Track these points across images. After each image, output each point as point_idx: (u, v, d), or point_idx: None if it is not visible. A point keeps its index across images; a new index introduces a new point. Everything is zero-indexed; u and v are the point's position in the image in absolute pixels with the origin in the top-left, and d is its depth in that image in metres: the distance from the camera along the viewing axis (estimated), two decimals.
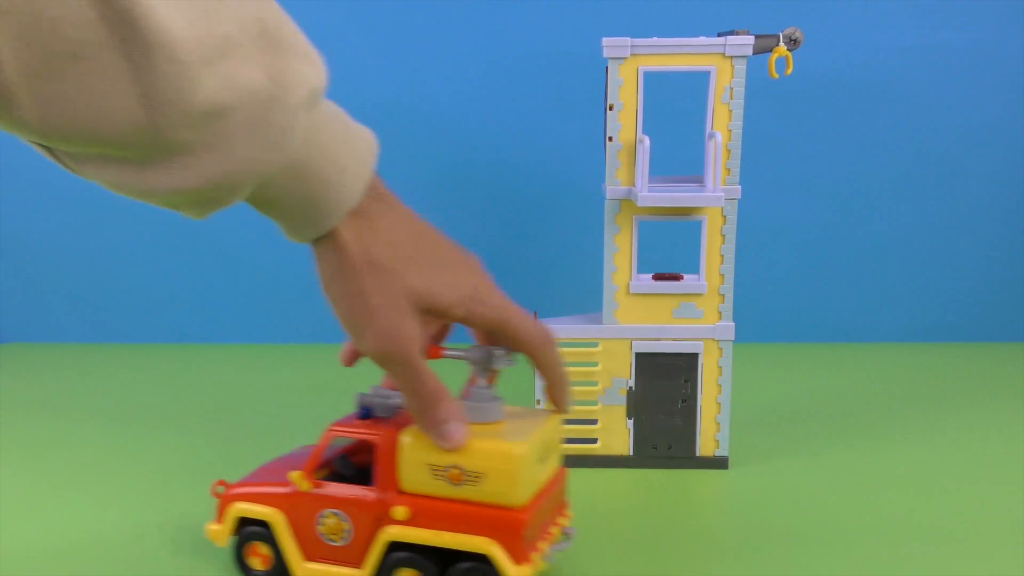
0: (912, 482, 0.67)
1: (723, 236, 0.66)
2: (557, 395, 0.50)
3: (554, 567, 0.53)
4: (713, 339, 0.68)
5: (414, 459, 0.47)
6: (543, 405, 0.69)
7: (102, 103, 0.33)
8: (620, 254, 0.67)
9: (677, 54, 0.64)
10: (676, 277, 0.68)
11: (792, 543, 0.56)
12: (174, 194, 0.37)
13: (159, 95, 0.33)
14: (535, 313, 0.71)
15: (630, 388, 0.69)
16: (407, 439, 0.47)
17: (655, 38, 0.63)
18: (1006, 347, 1.08)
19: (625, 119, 0.65)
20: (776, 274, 1.10)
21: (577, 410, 0.69)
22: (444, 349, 0.50)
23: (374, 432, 0.48)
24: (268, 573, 0.51)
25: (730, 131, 0.65)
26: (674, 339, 0.68)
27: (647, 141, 0.64)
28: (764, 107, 1.03)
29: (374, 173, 0.45)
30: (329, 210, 0.42)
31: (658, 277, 0.68)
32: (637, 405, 0.69)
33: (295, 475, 0.49)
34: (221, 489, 0.53)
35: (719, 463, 0.69)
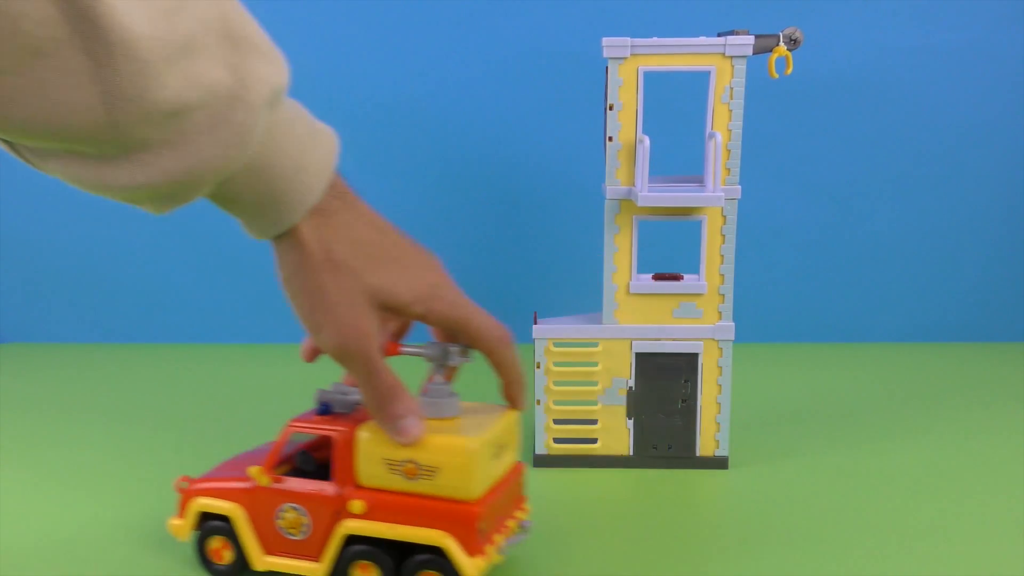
0: (912, 482, 0.67)
1: (723, 236, 0.66)
2: (513, 393, 0.51)
3: (554, 568, 0.53)
4: (713, 339, 0.68)
5: (371, 454, 0.48)
6: (542, 404, 0.69)
7: (63, 100, 0.33)
8: (620, 254, 0.67)
9: (677, 54, 0.64)
10: (676, 277, 0.68)
11: (792, 543, 0.56)
12: (135, 190, 0.37)
13: (120, 93, 0.34)
14: (535, 313, 0.71)
15: (630, 388, 0.69)
16: (364, 434, 0.48)
17: (655, 38, 0.63)
18: (1006, 347, 1.08)
19: (625, 119, 0.65)
20: (776, 274, 1.10)
21: (577, 410, 0.69)
22: (402, 346, 0.51)
23: (332, 428, 0.49)
24: (229, 567, 0.52)
25: (730, 131, 0.65)
26: (674, 339, 0.68)
27: (647, 141, 0.64)
28: (764, 107, 1.03)
29: (336, 172, 0.45)
30: (290, 208, 0.43)
31: (658, 277, 0.68)
32: (637, 405, 0.69)
33: (254, 470, 0.50)
34: (185, 484, 0.54)
35: (719, 463, 0.69)
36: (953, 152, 1.07)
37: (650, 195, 0.63)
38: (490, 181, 1.09)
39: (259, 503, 0.51)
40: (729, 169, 0.65)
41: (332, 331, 0.44)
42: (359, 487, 0.49)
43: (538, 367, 0.69)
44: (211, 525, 0.52)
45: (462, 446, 0.46)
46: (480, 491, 0.47)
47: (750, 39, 0.63)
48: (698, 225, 0.67)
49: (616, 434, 0.70)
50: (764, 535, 0.58)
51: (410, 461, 0.47)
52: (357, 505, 0.48)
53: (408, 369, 0.50)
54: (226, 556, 0.52)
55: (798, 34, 0.64)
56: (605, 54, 0.64)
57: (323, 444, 0.53)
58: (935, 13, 1.03)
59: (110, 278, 1.14)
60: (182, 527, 0.53)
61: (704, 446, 0.69)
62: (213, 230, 1.10)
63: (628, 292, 0.68)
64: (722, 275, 0.67)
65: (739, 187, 0.65)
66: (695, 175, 0.69)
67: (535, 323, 0.69)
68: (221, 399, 0.90)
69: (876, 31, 1.03)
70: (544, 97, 1.06)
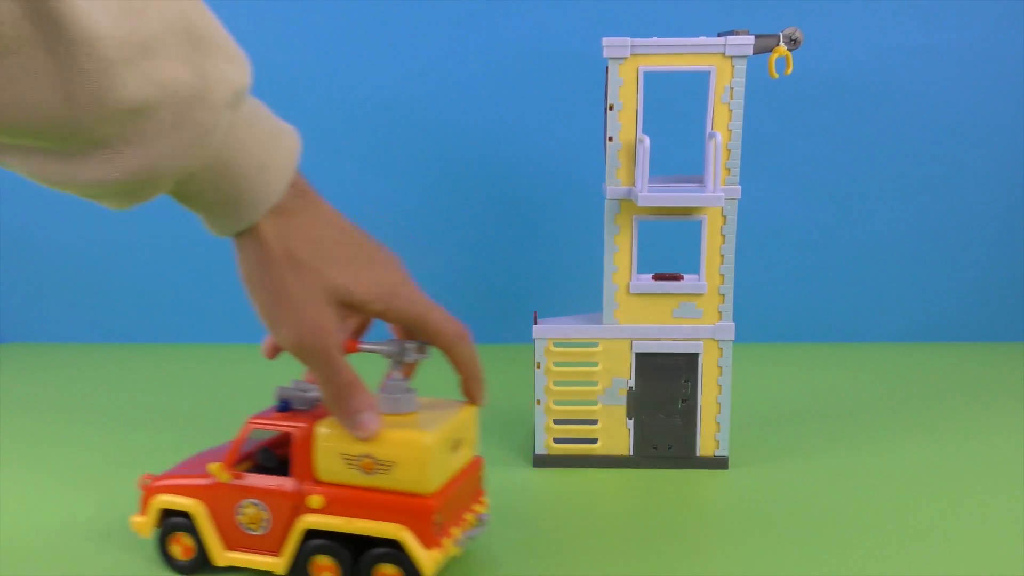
0: (912, 482, 0.67)
1: (723, 236, 0.66)
2: (472, 388, 0.52)
3: (554, 568, 0.53)
4: (713, 339, 0.68)
5: (329, 449, 0.48)
6: (542, 405, 0.69)
7: (26, 96, 0.34)
8: (620, 254, 0.67)
9: (677, 54, 0.64)
10: (676, 277, 0.68)
11: (792, 543, 0.56)
12: (95, 186, 0.38)
13: (82, 92, 0.34)
14: (535, 313, 0.71)
15: (630, 388, 0.69)
16: (323, 430, 0.49)
17: (655, 38, 0.63)
18: (1006, 347, 1.08)
19: (625, 119, 0.65)
20: (776, 274, 1.10)
21: (577, 410, 0.69)
22: (361, 343, 0.51)
23: (291, 424, 0.50)
24: (190, 563, 0.53)
25: (730, 131, 0.65)
26: (674, 339, 0.68)
27: (647, 141, 0.64)
28: (764, 107, 1.03)
29: (297, 171, 0.46)
30: (251, 206, 0.43)
31: (658, 277, 0.68)
32: (637, 405, 0.69)
33: (214, 467, 0.51)
34: (148, 482, 0.54)
35: (719, 463, 0.69)
36: (953, 152, 1.07)
37: (650, 195, 0.63)
38: (490, 181, 1.09)
39: (219, 499, 0.51)
40: (729, 169, 0.65)
41: (292, 328, 0.45)
42: (318, 482, 0.49)
43: (538, 367, 0.69)
44: (173, 522, 0.53)
45: (418, 441, 0.47)
46: (436, 485, 0.48)
47: (750, 39, 0.63)
48: (698, 225, 0.67)
49: (616, 434, 0.70)
50: (764, 535, 0.58)
51: (367, 456, 0.48)
52: (316, 500, 0.49)
53: (367, 366, 0.50)
54: (188, 552, 0.53)
55: (798, 34, 0.64)
56: (605, 54, 0.64)
57: (285, 441, 0.54)
58: (935, 13, 1.03)
59: (110, 278, 1.14)
60: (144, 524, 0.54)
61: (704, 446, 0.69)
62: None
63: (628, 292, 0.68)
64: (722, 275, 0.67)
65: (739, 187, 0.65)
66: (695, 175, 0.69)
67: (535, 323, 0.69)
68: (221, 399, 0.90)
69: (876, 31, 1.03)
70: (544, 97, 1.06)
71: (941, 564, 0.53)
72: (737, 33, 0.63)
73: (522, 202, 1.09)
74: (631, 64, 0.64)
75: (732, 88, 0.64)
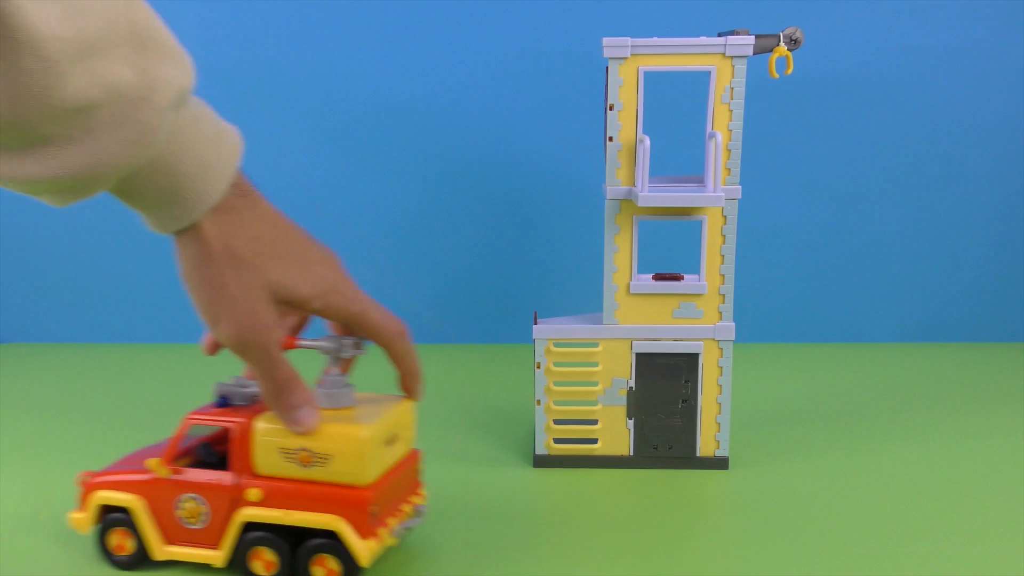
0: (912, 482, 0.67)
1: (723, 236, 0.66)
2: (409, 384, 0.53)
3: (554, 568, 0.53)
4: (713, 339, 0.68)
5: (267, 443, 0.49)
6: (543, 405, 0.69)
7: None
8: (620, 254, 0.67)
9: (677, 54, 0.64)
10: (676, 277, 0.68)
11: (792, 543, 0.56)
12: (35, 183, 0.38)
13: (25, 91, 0.35)
14: (535, 313, 0.71)
15: (630, 388, 0.69)
16: (261, 424, 0.50)
17: (655, 38, 0.63)
18: (1006, 347, 1.08)
19: (625, 119, 0.65)
20: (776, 274, 1.10)
21: (577, 410, 0.69)
22: (299, 340, 0.52)
23: (229, 419, 0.51)
24: (130, 558, 0.53)
25: (730, 131, 0.65)
26: (674, 339, 0.68)
27: (647, 141, 0.64)
28: (764, 107, 1.03)
29: (239, 171, 0.46)
30: (193, 204, 0.44)
31: (658, 277, 0.68)
32: (637, 405, 0.69)
33: (152, 462, 0.52)
34: (87, 478, 0.54)
35: (719, 463, 0.69)
36: (953, 152, 1.07)
37: (650, 195, 0.63)
38: (490, 181, 1.09)
39: (158, 494, 0.52)
40: (729, 169, 0.65)
41: (231, 324, 0.46)
42: (256, 476, 0.50)
43: (538, 367, 0.69)
44: (112, 518, 0.53)
45: (354, 434, 0.48)
46: (372, 477, 0.49)
47: (750, 39, 0.63)
48: (698, 225, 0.67)
49: (616, 434, 0.69)
50: (764, 535, 0.58)
51: (304, 449, 0.49)
52: (254, 493, 0.50)
53: (304, 363, 0.51)
54: (127, 547, 0.53)
55: (798, 34, 0.64)
56: (605, 54, 0.64)
57: (223, 436, 0.54)
58: (935, 13, 1.03)
59: (110, 278, 1.14)
60: (83, 520, 0.54)
61: (704, 446, 0.69)
62: None
63: (628, 292, 0.68)
64: (722, 275, 0.67)
65: (739, 187, 0.65)
66: (695, 175, 0.69)
67: (535, 323, 0.69)
68: None
69: (876, 31, 1.03)
70: (544, 97, 1.06)
71: (941, 564, 0.53)
72: (737, 33, 0.63)
73: (522, 202, 1.09)
74: (631, 64, 0.64)
75: (732, 88, 0.64)
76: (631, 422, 0.69)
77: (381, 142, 1.08)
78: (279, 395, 0.48)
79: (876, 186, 1.08)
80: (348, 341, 0.51)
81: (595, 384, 0.69)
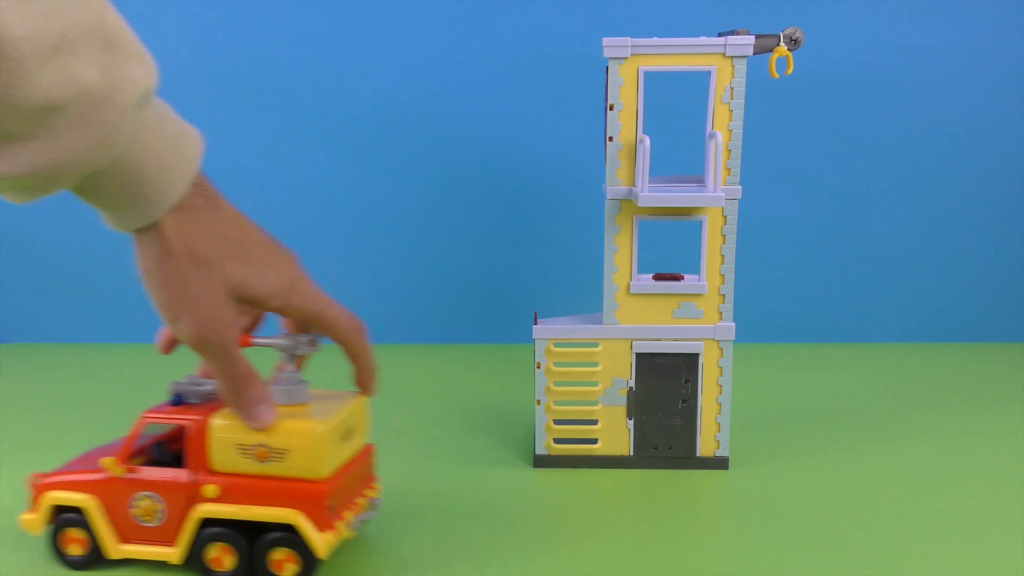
0: (912, 482, 0.67)
1: (723, 236, 0.66)
2: (364, 379, 0.54)
3: (555, 568, 0.53)
4: (713, 339, 0.68)
5: (224, 440, 0.50)
6: (543, 405, 0.69)
7: None
8: (620, 254, 0.67)
9: (677, 54, 0.63)
10: (676, 277, 0.68)
11: (792, 543, 0.56)
12: None
13: None
14: (535, 313, 0.71)
15: (630, 388, 0.69)
16: (217, 421, 0.50)
17: (655, 38, 0.63)
18: (1006, 347, 1.08)
19: (625, 119, 0.65)
20: (776, 274, 1.10)
21: (577, 410, 0.69)
22: (253, 338, 0.53)
23: (185, 417, 0.51)
24: (84, 558, 0.53)
25: (730, 131, 0.65)
26: (674, 339, 0.68)
27: (647, 141, 0.64)
28: (764, 107, 1.03)
29: (199, 171, 0.47)
30: (154, 203, 0.45)
31: (658, 277, 0.68)
32: (637, 405, 0.69)
33: (107, 461, 0.52)
34: (38, 480, 0.54)
35: (719, 463, 0.69)
36: (953, 152, 1.07)
37: (650, 195, 0.63)
38: (490, 181, 1.09)
39: (113, 493, 0.52)
40: (729, 169, 0.65)
41: (192, 321, 0.46)
42: (212, 472, 0.51)
43: (538, 367, 0.69)
44: (64, 518, 0.53)
45: (310, 429, 0.49)
46: (329, 471, 0.50)
47: (750, 39, 0.63)
48: (698, 225, 0.67)
49: (616, 434, 0.69)
50: (764, 535, 0.58)
51: (261, 445, 0.49)
52: (211, 489, 0.50)
53: (256, 361, 0.51)
54: (80, 548, 0.53)
55: (798, 34, 0.64)
56: (605, 54, 0.64)
57: (179, 436, 0.55)
58: (935, 13, 1.03)
59: (110, 278, 1.14)
60: (34, 521, 0.54)
61: (704, 446, 0.69)
62: None
63: (628, 292, 0.68)
64: (722, 275, 0.67)
65: (739, 187, 0.65)
66: (695, 175, 0.69)
67: (535, 323, 0.69)
68: None
69: (876, 31, 1.04)
70: (544, 97, 1.06)
71: (941, 564, 0.53)
72: (737, 33, 0.63)
73: (522, 202, 1.09)
74: (631, 64, 0.64)
75: (732, 88, 0.64)
76: (631, 422, 0.69)
77: (381, 142, 1.08)
78: (238, 392, 0.48)
79: (876, 186, 1.08)
80: (303, 339, 0.52)
81: (595, 384, 0.69)
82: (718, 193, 0.63)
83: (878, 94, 1.05)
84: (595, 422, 0.69)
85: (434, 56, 1.06)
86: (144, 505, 0.52)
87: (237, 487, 0.50)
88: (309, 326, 0.52)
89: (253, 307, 0.50)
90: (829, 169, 1.07)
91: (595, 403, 0.69)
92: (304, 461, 0.49)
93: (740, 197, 0.66)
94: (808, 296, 1.11)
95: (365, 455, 0.56)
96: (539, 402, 0.69)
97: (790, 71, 0.64)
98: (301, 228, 1.09)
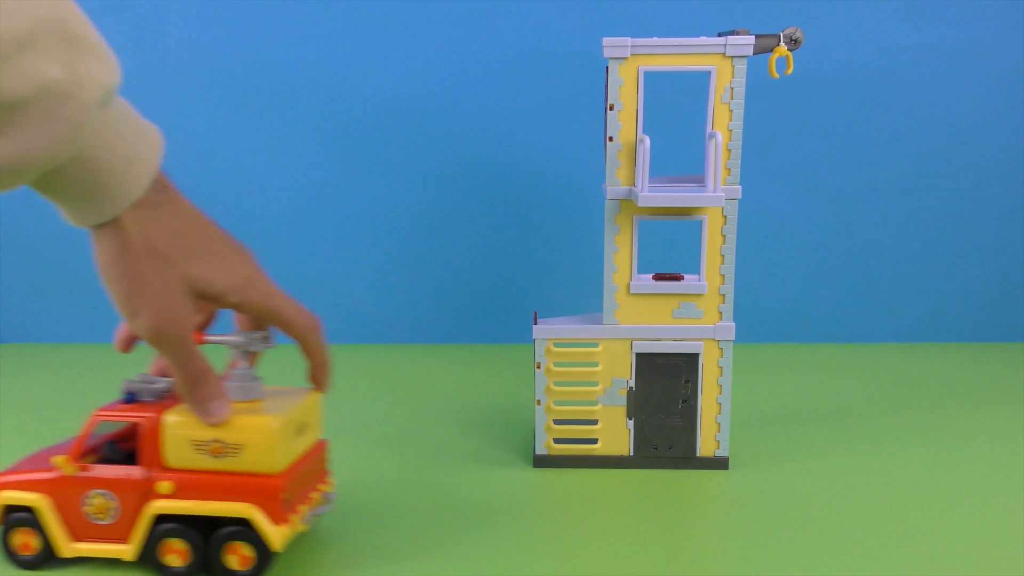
0: (912, 482, 0.67)
1: (723, 236, 0.66)
2: (319, 376, 0.55)
3: (555, 568, 0.53)
4: (713, 339, 0.68)
5: (178, 436, 0.51)
6: (543, 405, 0.69)
7: None
8: (620, 254, 0.67)
9: (677, 54, 0.64)
10: (676, 277, 0.68)
11: (793, 544, 0.56)
12: None
13: None
14: (535, 313, 0.71)
15: (630, 388, 0.69)
16: (171, 418, 0.51)
17: (655, 38, 0.63)
18: (1006, 347, 1.08)
19: (625, 119, 0.65)
20: (776, 274, 1.10)
21: (577, 410, 0.69)
22: (206, 335, 0.53)
23: (138, 414, 0.51)
24: (35, 557, 0.53)
25: (730, 131, 0.65)
26: (674, 339, 0.68)
27: (647, 141, 0.64)
28: (764, 107, 1.03)
29: (159, 169, 0.47)
30: (114, 200, 0.45)
31: (658, 277, 0.68)
32: (637, 405, 0.69)
33: (59, 460, 0.52)
34: None
35: (719, 463, 0.69)
36: (953, 152, 1.07)
37: (650, 195, 0.63)
38: (490, 181, 1.09)
39: (65, 492, 0.52)
40: (729, 169, 0.65)
41: (150, 316, 0.47)
42: (166, 469, 0.51)
43: (538, 367, 0.69)
44: (15, 517, 0.53)
45: (265, 424, 0.50)
46: (283, 465, 0.51)
47: (750, 39, 0.63)
48: (698, 225, 0.67)
49: (616, 434, 0.69)
50: (764, 535, 0.58)
51: (216, 440, 0.50)
52: (165, 486, 0.51)
53: (209, 359, 0.52)
54: (31, 547, 0.53)
55: (799, 34, 0.64)
56: (605, 54, 0.64)
57: (132, 434, 0.55)
58: (936, 13, 1.03)
59: None
60: None
61: (704, 446, 0.69)
62: None
63: (628, 292, 0.68)
64: (722, 275, 0.67)
65: (739, 187, 0.65)
66: (695, 175, 0.69)
67: (535, 323, 0.69)
68: None
69: (877, 31, 1.04)
70: (544, 97, 1.06)
71: (941, 565, 0.53)
72: (737, 33, 0.63)
73: (522, 202, 1.09)
74: (631, 64, 0.64)
75: (732, 88, 0.64)
76: (631, 422, 0.69)
77: (381, 142, 1.08)
78: (194, 387, 0.49)
79: (876, 186, 1.08)
80: (256, 335, 0.53)
81: (595, 384, 0.69)
82: (718, 193, 0.63)
83: (878, 94, 1.05)
84: (595, 422, 0.69)
85: (434, 56, 1.06)
86: (97, 503, 0.52)
87: (191, 483, 0.50)
88: (265, 323, 0.53)
89: (209, 304, 0.50)
90: (829, 169, 1.07)
91: (595, 403, 0.69)
92: (259, 456, 0.50)
93: (740, 197, 0.66)
94: (808, 296, 1.11)
95: (319, 450, 0.57)
96: (539, 402, 0.69)
97: (790, 71, 0.64)
98: (301, 228, 1.09)
